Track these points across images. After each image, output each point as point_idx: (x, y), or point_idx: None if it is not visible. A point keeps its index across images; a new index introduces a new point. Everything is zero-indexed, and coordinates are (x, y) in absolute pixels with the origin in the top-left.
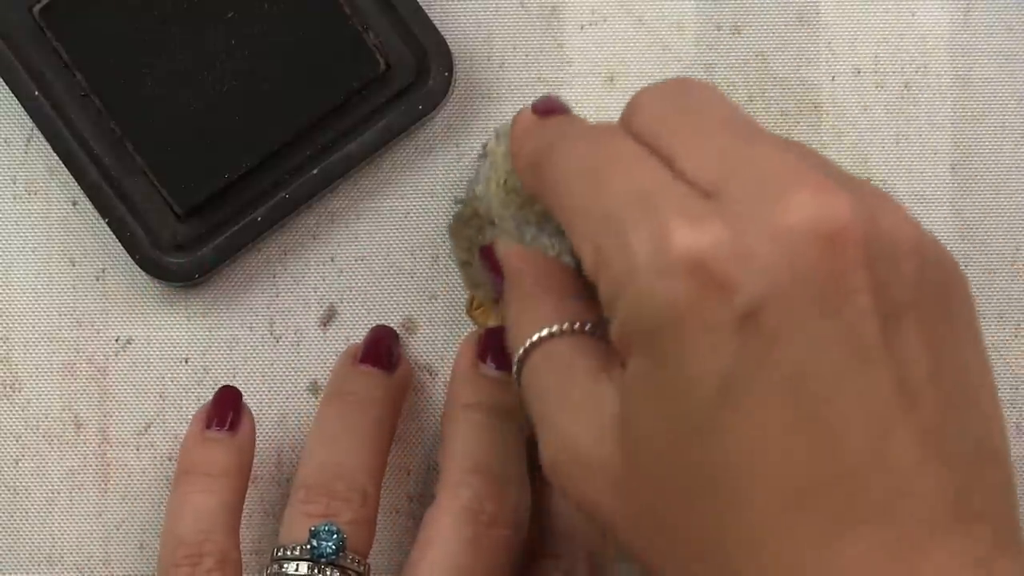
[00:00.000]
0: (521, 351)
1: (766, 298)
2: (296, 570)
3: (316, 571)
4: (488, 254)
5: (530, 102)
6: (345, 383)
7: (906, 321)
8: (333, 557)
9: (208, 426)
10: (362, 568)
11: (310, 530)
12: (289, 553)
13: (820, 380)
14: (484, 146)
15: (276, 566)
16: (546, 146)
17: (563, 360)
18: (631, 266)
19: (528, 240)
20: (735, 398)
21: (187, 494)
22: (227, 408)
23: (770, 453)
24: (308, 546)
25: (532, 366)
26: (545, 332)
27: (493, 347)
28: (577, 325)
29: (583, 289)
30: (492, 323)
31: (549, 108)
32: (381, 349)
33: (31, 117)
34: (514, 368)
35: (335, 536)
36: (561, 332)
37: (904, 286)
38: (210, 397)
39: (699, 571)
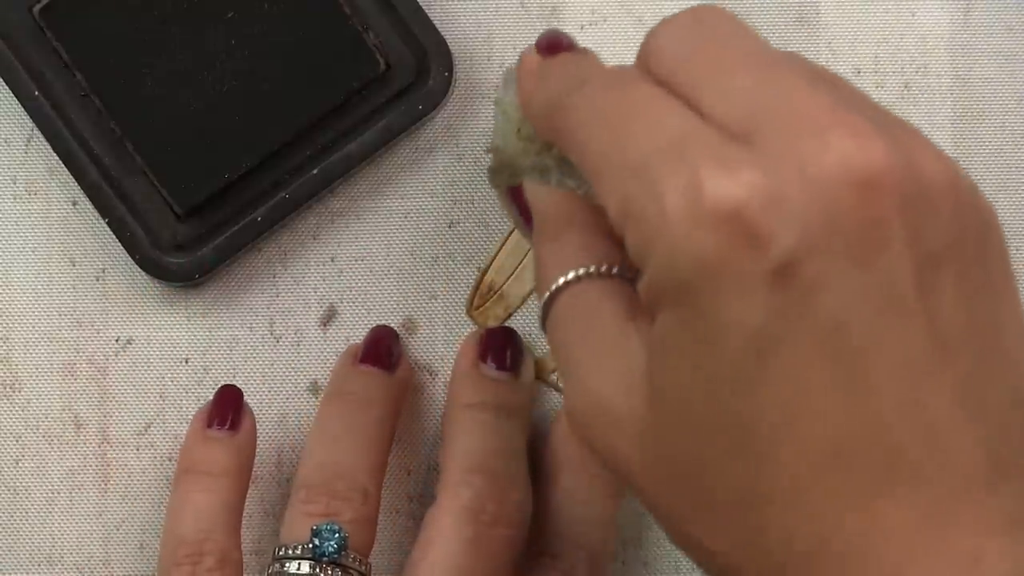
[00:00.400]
0: (547, 295)
1: (801, 250)
2: (298, 569)
3: (318, 570)
4: (517, 198)
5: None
6: (345, 383)
7: (943, 271)
8: (335, 556)
9: (209, 425)
10: (363, 567)
11: (312, 529)
12: (291, 552)
13: (855, 334)
14: (497, 91)
15: (278, 565)
16: (559, 94)
17: (590, 306)
18: (662, 218)
19: (554, 184)
20: (770, 352)
21: (188, 493)
22: (228, 407)
23: (806, 409)
24: (310, 545)
25: (558, 311)
26: (571, 275)
27: (494, 347)
28: (604, 268)
29: (612, 229)
30: (492, 323)
31: (554, 44)
32: (381, 349)
33: (31, 117)
34: (540, 312)
35: (337, 535)
36: (588, 275)
37: (940, 233)
38: (210, 397)
39: (724, 524)
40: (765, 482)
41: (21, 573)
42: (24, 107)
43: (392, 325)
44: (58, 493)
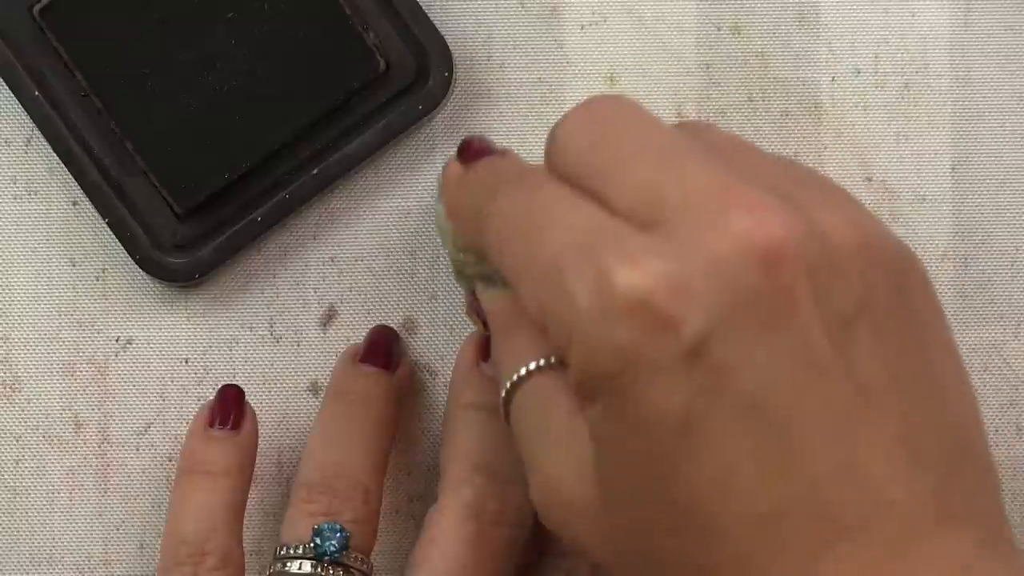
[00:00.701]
0: (503, 393)
1: (711, 330)
2: (299, 569)
3: (319, 570)
4: (475, 304)
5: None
6: (346, 383)
7: (858, 327)
8: (336, 556)
9: (211, 425)
10: (365, 567)
11: (313, 528)
12: (292, 552)
13: (777, 401)
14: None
15: (279, 565)
16: (477, 205)
17: (542, 399)
18: (575, 316)
19: (499, 288)
20: (695, 431)
21: (189, 493)
22: (229, 407)
23: (737, 481)
24: (311, 545)
25: (516, 406)
26: (523, 371)
27: None
28: (553, 360)
29: None
30: None
31: (474, 152)
32: (381, 349)
33: (31, 117)
34: (501, 411)
35: (339, 534)
36: (539, 368)
37: (849, 293)
38: (210, 397)
39: None
40: (710, 557)
41: (21, 573)
42: (24, 107)
43: (392, 325)
44: (58, 493)
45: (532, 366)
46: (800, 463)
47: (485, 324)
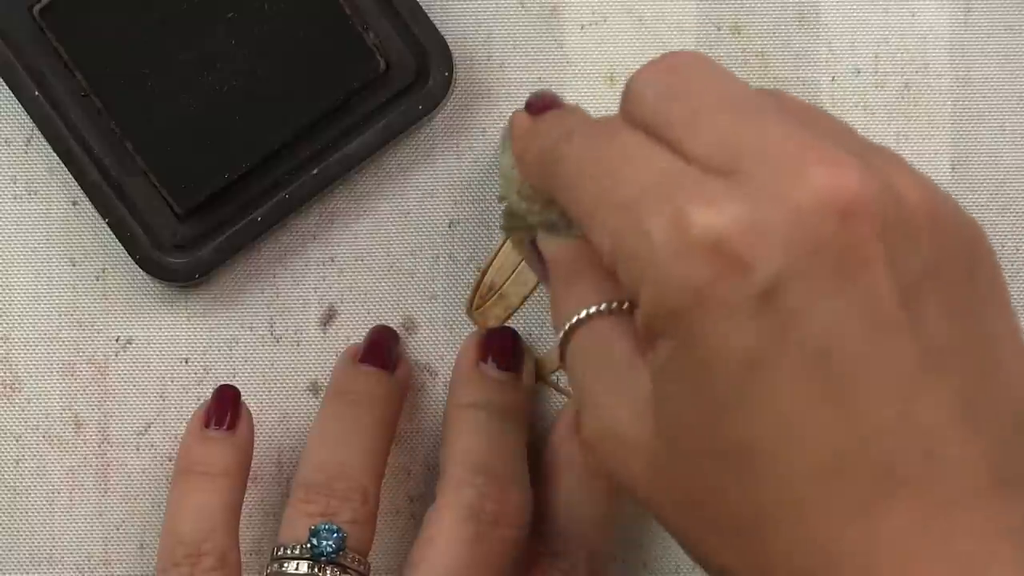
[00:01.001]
0: (562, 333)
1: (784, 275)
2: (296, 569)
3: (316, 570)
4: (535, 249)
5: (524, 102)
6: (345, 383)
7: (926, 291)
8: (333, 556)
9: (207, 425)
10: (362, 567)
11: (310, 529)
12: (289, 552)
13: (843, 354)
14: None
15: (276, 565)
16: (549, 148)
17: (603, 340)
18: (650, 252)
19: (563, 235)
20: (760, 374)
21: (186, 493)
22: (226, 407)
23: (799, 427)
24: (308, 545)
25: (574, 346)
26: (583, 313)
27: (494, 347)
28: (615, 305)
29: None
30: (492, 323)
31: (543, 104)
32: (381, 349)
33: (31, 117)
34: (558, 352)
35: (335, 535)
36: (599, 312)
37: (920, 256)
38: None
39: (730, 543)
40: (766, 501)
41: (21, 573)
42: (24, 107)
43: (392, 325)
44: (58, 493)
45: (593, 309)
46: (861, 414)
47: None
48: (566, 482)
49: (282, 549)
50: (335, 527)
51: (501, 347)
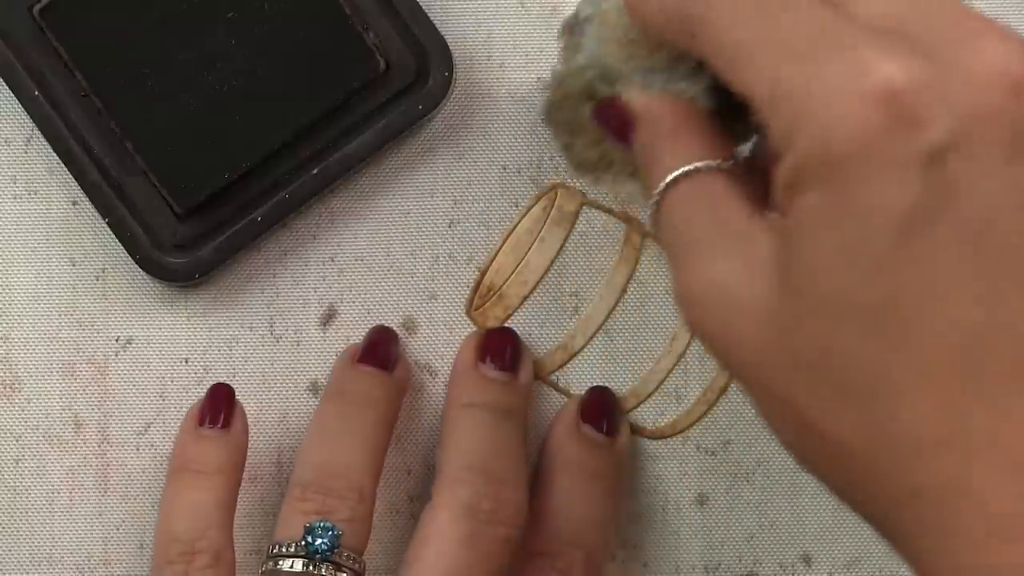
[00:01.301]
0: (663, 185)
1: (956, 140)
2: (291, 567)
3: (311, 568)
4: (610, 110)
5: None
6: (344, 383)
7: None
8: (328, 554)
9: (201, 423)
10: (357, 565)
11: (305, 527)
12: (284, 550)
13: (1002, 231)
14: (574, 16)
15: (271, 563)
16: None
17: (712, 195)
18: (821, 96)
19: (659, 88)
20: (915, 236)
21: (181, 491)
22: (220, 405)
23: (945, 296)
24: (303, 543)
25: (675, 199)
26: (693, 167)
27: (493, 347)
28: (729, 163)
29: (722, 130)
30: (492, 323)
31: None
32: (380, 349)
33: (31, 117)
34: (651, 203)
35: (330, 533)
36: (709, 168)
37: None
38: None
39: (848, 411)
40: (897, 368)
41: (21, 573)
42: (24, 107)
43: (392, 325)
44: (58, 493)
45: (703, 164)
46: (1010, 296)
47: (619, 133)
48: (564, 482)
49: (277, 547)
50: (330, 525)
51: (500, 347)
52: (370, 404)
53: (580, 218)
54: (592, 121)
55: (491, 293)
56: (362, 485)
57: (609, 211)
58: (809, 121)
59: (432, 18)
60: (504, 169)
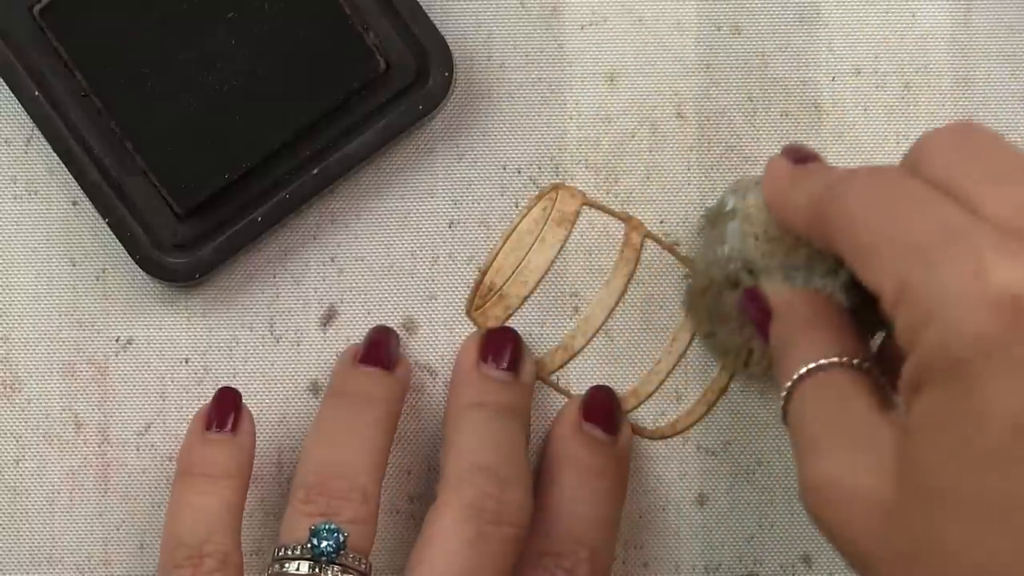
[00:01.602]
0: (794, 377)
1: None
2: (297, 569)
3: (317, 570)
4: (754, 297)
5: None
6: (345, 383)
7: None
8: (333, 556)
9: (208, 427)
10: (363, 566)
11: (310, 529)
12: (290, 553)
13: None
14: (716, 209)
15: (277, 566)
16: (827, 188)
17: (840, 392)
18: (944, 296)
19: (799, 284)
20: None
21: (187, 495)
22: (227, 409)
23: None
24: (308, 545)
25: (804, 394)
26: (823, 361)
27: (495, 347)
28: (856, 360)
29: (857, 328)
30: (492, 323)
31: (805, 156)
32: (381, 349)
33: (31, 117)
34: (782, 395)
35: (335, 535)
36: (840, 364)
37: None
38: (210, 397)
39: None
40: (1003, 556)
41: (21, 573)
42: (24, 107)
43: (392, 325)
44: (58, 493)
45: (835, 359)
46: None
47: (759, 319)
48: (567, 482)
49: (283, 550)
50: (335, 527)
51: (501, 347)
52: (371, 404)
53: (580, 218)
54: (736, 309)
55: (491, 293)
56: (365, 485)
57: (609, 211)
58: (932, 323)
59: (432, 18)
60: (504, 169)
